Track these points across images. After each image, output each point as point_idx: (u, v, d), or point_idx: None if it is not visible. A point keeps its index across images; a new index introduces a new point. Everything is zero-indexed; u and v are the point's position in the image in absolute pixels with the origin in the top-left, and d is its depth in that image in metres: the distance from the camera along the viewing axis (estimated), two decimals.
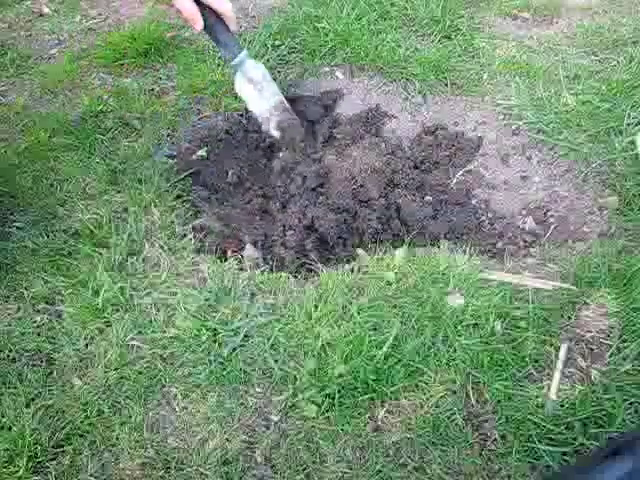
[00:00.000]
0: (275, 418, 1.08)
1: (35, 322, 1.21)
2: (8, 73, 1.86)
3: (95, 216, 1.38)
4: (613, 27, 1.93)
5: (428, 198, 1.52)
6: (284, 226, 1.41)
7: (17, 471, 1.01)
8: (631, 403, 1.06)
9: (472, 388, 1.10)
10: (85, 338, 1.18)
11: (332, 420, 1.06)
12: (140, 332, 1.18)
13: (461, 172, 1.61)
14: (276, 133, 1.61)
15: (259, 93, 1.58)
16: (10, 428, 1.05)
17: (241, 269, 1.28)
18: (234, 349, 1.14)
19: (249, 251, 1.31)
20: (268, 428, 1.07)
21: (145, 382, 1.11)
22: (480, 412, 1.08)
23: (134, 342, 1.17)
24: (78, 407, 1.08)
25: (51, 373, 1.14)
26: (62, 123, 1.64)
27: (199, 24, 1.38)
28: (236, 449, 1.04)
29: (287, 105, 1.64)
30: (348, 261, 1.33)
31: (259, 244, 1.36)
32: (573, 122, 1.60)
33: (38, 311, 1.23)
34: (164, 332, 1.17)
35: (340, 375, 1.08)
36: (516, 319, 1.18)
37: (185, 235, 1.36)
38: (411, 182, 1.53)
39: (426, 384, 1.10)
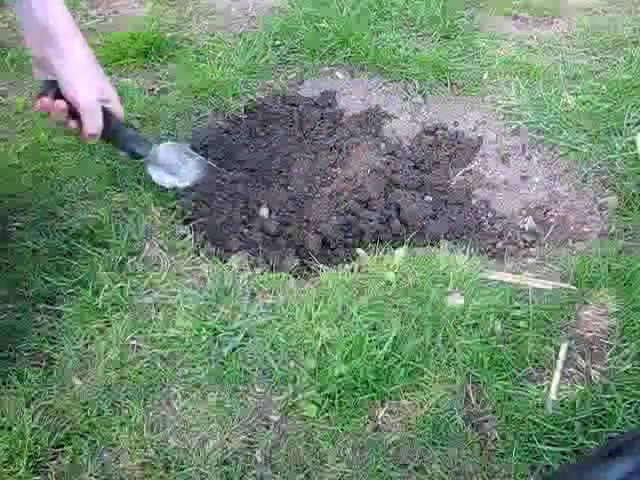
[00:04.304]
0: (275, 418, 1.08)
1: (35, 322, 1.21)
2: (8, 73, 1.86)
3: (95, 216, 1.37)
4: (613, 27, 1.93)
5: (428, 198, 1.52)
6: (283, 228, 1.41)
7: (17, 471, 1.00)
8: (631, 403, 1.06)
9: (472, 388, 1.10)
10: (85, 338, 1.18)
11: (332, 420, 1.06)
12: (140, 332, 1.18)
13: (461, 172, 1.61)
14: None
15: (174, 176, 1.43)
16: (10, 428, 1.05)
17: (241, 269, 1.28)
18: (234, 349, 1.14)
19: (235, 262, 1.29)
20: (268, 428, 1.07)
21: (145, 382, 1.11)
22: (480, 412, 1.08)
23: (134, 342, 1.17)
24: (78, 407, 1.08)
25: (51, 373, 1.14)
26: (62, 123, 1.64)
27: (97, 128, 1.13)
28: (236, 449, 1.04)
29: (207, 165, 1.50)
30: (348, 261, 1.33)
31: (245, 252, 1.35)
32: (573, 122, 1.60)
33: (38, 311, 1.22)
34: (164, 332, 1.17)
35: (340, 375, 1.08)
36: (516, 319, 1.18)
37: (185, 235, 1.36)
38: (411, 182, 1.53)
39: (426, 384, 1.10)
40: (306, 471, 1.02)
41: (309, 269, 1.32)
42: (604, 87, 1.68)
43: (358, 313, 1.17)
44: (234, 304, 1.20)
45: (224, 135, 1.66)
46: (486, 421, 1.07)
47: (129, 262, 1.29)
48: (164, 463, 1.03)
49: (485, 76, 1.79)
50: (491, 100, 1.74)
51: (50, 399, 1.10)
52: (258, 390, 1.11)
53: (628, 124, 1.57)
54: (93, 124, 1.13)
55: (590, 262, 1.27)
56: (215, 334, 1.16)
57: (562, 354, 1.13)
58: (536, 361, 1.13)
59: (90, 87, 1.09)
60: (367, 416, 1.07)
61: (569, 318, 1.19)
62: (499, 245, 1.41)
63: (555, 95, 1.68)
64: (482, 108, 1.72)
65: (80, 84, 1.07)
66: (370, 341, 1.12)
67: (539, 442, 1.02)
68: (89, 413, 1.08)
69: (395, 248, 1.33)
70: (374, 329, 1.15)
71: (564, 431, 1.03)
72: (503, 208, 1.52)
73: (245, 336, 1.16)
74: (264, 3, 2.11)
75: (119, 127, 1.24)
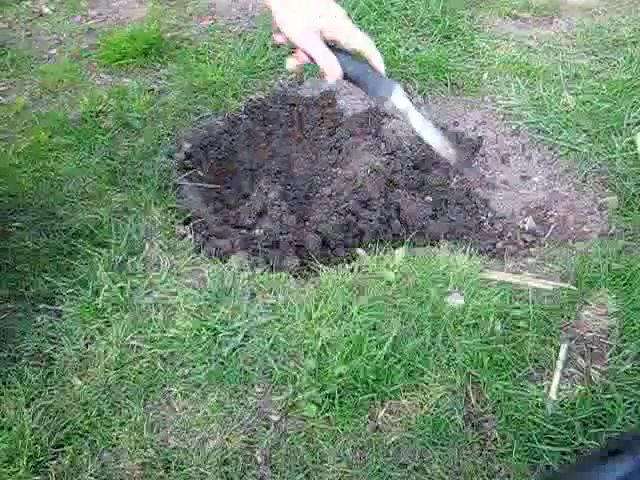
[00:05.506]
0: (275, 418, 1.07)
1: (35, 322, 1.21)
2: (8, 73, 1.86)
3: (95, 216, 1.37)
4: (613, 27, 1.93)
5: (428, 198, 1.52)
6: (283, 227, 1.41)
7: (17, 471, 1.00)
8: (631, 403, 1.06)
9: (472, 388, 1.10)
10: (85, 338, 1.18)
11: (332, 420, 1.06)
12: (140, 332, 1.18)
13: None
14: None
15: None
16: (10, 428, 1.05)
17: (241, 269, 1.28)
18: (234, 349, 1.14)
19: (235, 262, 1.29)
20: (268, 428, 1.07)
21: (145, 382, 1.11)
22: (480, 412, 1.07)
23: (134, 342, 1.17)
24: (78, 407, 1.08)
25: (51, 373, 1.14)
26: (62, 123, 1.64)
27: (337, 73, 1.00)
28: (236, 449, 1.04)
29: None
30: (348, 261, 1.33)
31: (249, 251, 1.34)
32: (573, 122, 1.60)
33: (38, 311, 1.22)
34: (164, 332, 1.17)
35: (340, 375, 1.08)
36: (516, 319, 1.18)
37: (185, 235, 1.36)
38: (411, 182, 1.53)
39: (426, 384, 1.10)
40: (306, 471, 1.02)
41: (309, 269, 1.32)
42: (604, 87, 1.68)
43: (358, 313, 1.17)
44: (234, 304, 1.20)
45: (224, 135, 1.66)
46: (486, 421, 1.07)
47: (129, 262, 1.29)
48: (164, 463, 1.03)
49: (485, 76, 1.79)
50: (491, 100, 1.74)
51: (50, 399, 1.10)
52: (258, 390, 1.11)
53: (628, 124, 1.57)
54: (320, 61, 0.96)
55: (590, 262, 1.27)
56: (215, 334, 1.16)
57: (562, 354, 1.13)
58: (536, 361, 1.13)
59: (297, 18, 0.93)
60: (367, 416, 1.07)
61: (569, 318, 1.19)
62: (499, 245, 1.41)
63: (555, 95, 1.68)
64: (482, 108, 1.72)
65: (286, 15, 0.92)
66: (370, 341, 1.12)
67: (539, 442, 1.02)
68: (89, 413, 1.07)
69: (395, 248, 1.33)
70: (374, 329, 1.15)
71: (564, 431, 1.03)
72: (503, 208, 1.52)
73: (245, 336, 1.16)
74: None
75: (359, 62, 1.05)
